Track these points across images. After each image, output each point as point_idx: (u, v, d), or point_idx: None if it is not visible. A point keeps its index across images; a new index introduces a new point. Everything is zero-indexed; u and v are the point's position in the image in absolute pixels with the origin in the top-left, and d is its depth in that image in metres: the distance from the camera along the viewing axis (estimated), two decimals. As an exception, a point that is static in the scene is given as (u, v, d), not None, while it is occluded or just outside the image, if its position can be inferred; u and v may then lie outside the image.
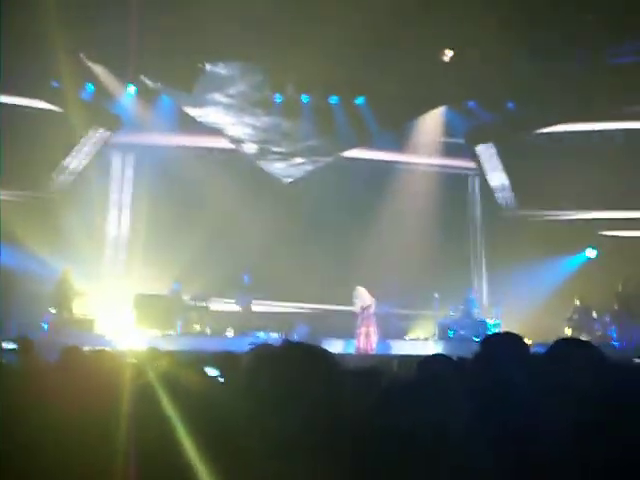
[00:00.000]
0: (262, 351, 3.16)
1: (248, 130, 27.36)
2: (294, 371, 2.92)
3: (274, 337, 21.64)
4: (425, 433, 3.06)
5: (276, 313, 25.16)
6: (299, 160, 27.63)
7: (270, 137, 27.44)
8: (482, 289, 25.51)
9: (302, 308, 25.55)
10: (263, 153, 27.59)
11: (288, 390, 2.87)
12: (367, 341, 21.72)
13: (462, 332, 23.92)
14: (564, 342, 4.40)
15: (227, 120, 27.26)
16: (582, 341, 4.58)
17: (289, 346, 3.14)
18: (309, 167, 27.68)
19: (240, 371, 3.38)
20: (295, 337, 21.99)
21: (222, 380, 6.38)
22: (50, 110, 25.27)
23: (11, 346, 8.78)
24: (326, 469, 2.77)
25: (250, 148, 27.56)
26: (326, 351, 3.09)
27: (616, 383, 3.73)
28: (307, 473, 2.76)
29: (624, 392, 3.64)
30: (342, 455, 2.82)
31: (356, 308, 21.97)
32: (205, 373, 6.21)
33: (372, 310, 22.06)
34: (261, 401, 2.90)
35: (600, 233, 25.48)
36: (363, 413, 3.20)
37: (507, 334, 4.94)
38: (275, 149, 27.54)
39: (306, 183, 27.64)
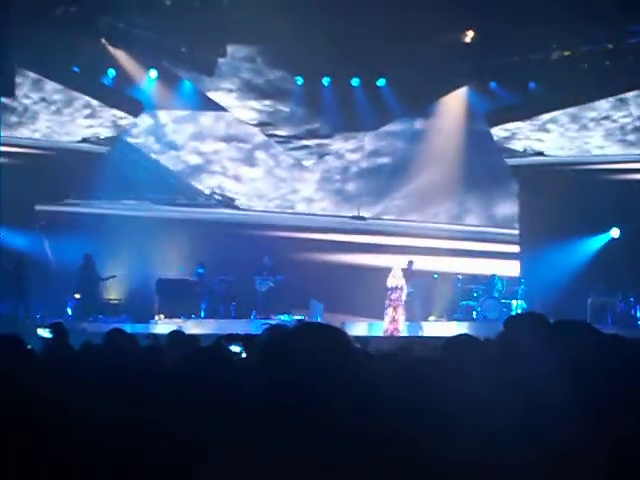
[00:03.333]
0: (275, 332, 3.14)
1: (270, 113, 27.39)
2: (306, 350, 2.91)
3: (299, 319, 21.64)
4: (445, 411, 3.06)
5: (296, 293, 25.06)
6: (321, 142, 27.62)
7: (292, 119, 27.43)
8: (506, 270, 25.41)
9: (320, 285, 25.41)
10: (286, 136, 27.59)
11: (295, 370, 2.87)
12: (394, 324, 21.73)
13: (486, 313, 23.90)
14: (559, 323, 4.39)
15: (247, 104, 27.32)
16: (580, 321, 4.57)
17: (302, 326, 3.14)
18: (331, 148, 27.68)
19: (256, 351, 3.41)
20: (318, 318, 22.04)
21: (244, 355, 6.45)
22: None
23: (47, 334, 8.72)
24: (336, 448, 2.77)
25: (271, 131, 27.56)
26: (340, 330, 3.07)
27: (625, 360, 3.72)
28: (316, 450, 2.76)
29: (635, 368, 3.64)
30: (354, 434, 2.82)
31: (388, 285, 21.97)
32: (228, 350, 6.25)
33: (404, 294, 22.08)
34: (273, 381, 2.90)
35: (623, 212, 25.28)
36: (382, 392, 3.20)
37: (530, 314, 4.92)
38: (297, 132, 27.55)
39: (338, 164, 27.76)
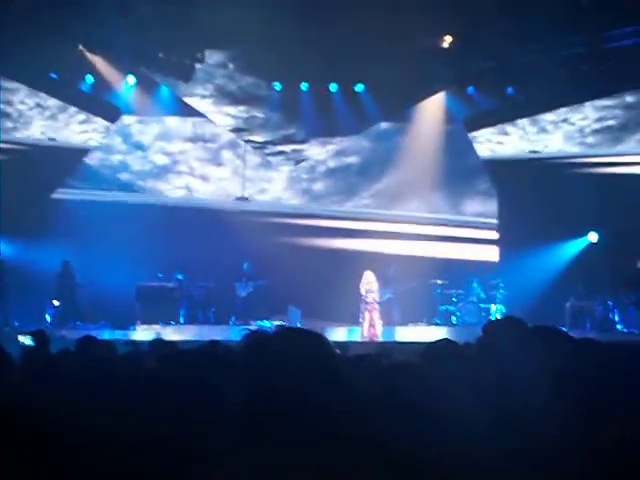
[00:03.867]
0: (254, 337, 3.13)
1: (247, 118, 27.41)
2: (285, 355, 2.92)
3: (278, 325, 21.62)
4: (425, 415, 3.07)
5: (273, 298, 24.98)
6: (300, 147, 27.66)
7: (270, 124, 27.45)
8: (484, 274, 25.45)
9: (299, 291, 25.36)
10: (263, 142, 27.62)
11: (278, 375, 2.87)
12: (372, 329, 21.68)
13: (465, 318, 23.97)
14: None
15: (224, 109, 27.33)
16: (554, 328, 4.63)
17: (282, 332, 3.14)
18: (310, 152, 27.73)
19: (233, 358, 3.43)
20: (297, 324, 22.00)
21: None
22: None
23: (28, 341, 8.63)
24: (317, 454, 2.77)
25: (248, 137, 27.58)
26: (320, 335, 3.07)
27: (605, 366, 3.76)
28: (300, 457, 2.76)
29: (619, 375, 3.67)
30: (336, 440, 2.82)
31: (362, 292, 21.91)
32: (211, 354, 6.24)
33: (377, 297, 22.02)
34: (253, 387, 2.90)
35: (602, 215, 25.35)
36: (363, 397, 3.20)
37: (509, 319, 4.94)
38: (274, 137, 27.58)
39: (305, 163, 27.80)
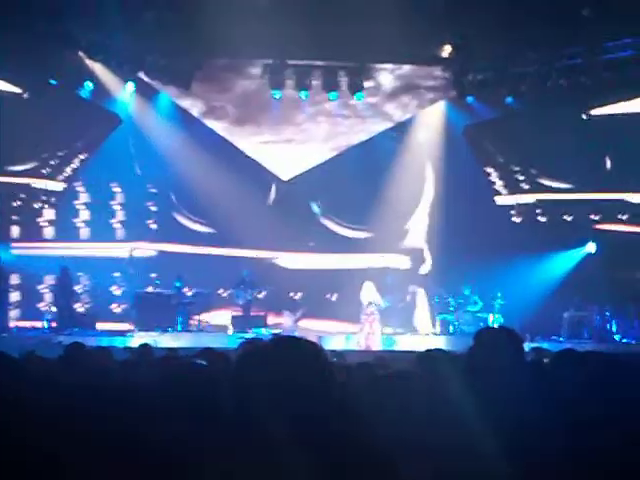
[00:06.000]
0: (250, 346, 3.16)
1: (250, 125, 27.43)
2: (280, 364, 2.93)
3: (275, 333, 21.63)
4: (416, 425, 3.08)
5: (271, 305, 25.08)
6: (302, 153, 27.64)
7: (272, 131, 27.45)
8: (482, 284, 25.43)
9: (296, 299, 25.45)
10: (262, 149, 27.64)
11: (274, 383, 2.88)
12: (370, 339, 21.76)
13: (463, 327, 23.96)
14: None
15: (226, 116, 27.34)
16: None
17: (277, 340, 3.15)
18: (312, 160, 27.70)
19: (229, 366, 3.44)
20: (294, 332, 22.08)
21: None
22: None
23: None
24: (310, 462, 2.78)
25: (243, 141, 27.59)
26: (316, 344, 3.08)
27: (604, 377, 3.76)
28: (292, 466, 2.77)
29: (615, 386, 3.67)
30: (327, 448, 2.82)
31: (363, 302, 22.04)
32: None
33: (377, 307, 22.11)
34: (248, 395, 2.91)
35: (600, 227, 25.43)
36: (354, 405, 3.21)
37: (500, 328, 4.97)
38: (273, 142, 27.60)
39: (304, 176, 27.69)
